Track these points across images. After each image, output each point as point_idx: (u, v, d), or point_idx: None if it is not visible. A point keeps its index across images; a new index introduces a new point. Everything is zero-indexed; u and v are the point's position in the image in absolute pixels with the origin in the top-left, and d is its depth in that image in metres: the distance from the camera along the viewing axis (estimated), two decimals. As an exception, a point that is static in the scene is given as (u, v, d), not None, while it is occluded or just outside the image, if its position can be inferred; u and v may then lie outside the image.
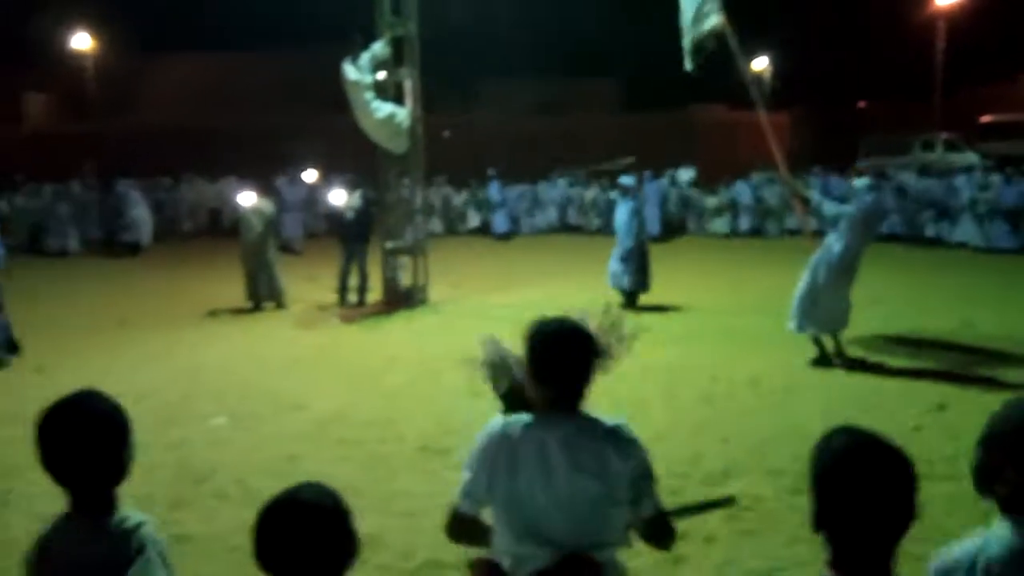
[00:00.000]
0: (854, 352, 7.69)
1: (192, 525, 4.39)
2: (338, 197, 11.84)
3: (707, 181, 21.09)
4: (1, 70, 31.45)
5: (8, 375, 7.71)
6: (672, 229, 19.56)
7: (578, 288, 11.13)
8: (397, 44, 10.52)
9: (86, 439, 1.80)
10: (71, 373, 7.54)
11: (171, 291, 12.62)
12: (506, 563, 2.12)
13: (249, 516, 4.80)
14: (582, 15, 30.08)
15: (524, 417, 2.16)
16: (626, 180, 10.99)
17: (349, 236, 11.16)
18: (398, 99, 10.63)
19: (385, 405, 6.62)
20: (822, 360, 7.49)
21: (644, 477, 2.13)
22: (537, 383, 2.17)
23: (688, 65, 7.88)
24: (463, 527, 2.20)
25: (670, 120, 28.45)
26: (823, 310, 7.43)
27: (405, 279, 11.08)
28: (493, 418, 2.20)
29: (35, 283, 13.10)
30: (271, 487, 5.26)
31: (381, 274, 11.11)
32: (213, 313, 10.78)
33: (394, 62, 10.64)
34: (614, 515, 2.11)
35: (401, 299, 10.85)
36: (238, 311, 10.83)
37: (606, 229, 19.13)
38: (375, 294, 11.30)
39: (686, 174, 20.69)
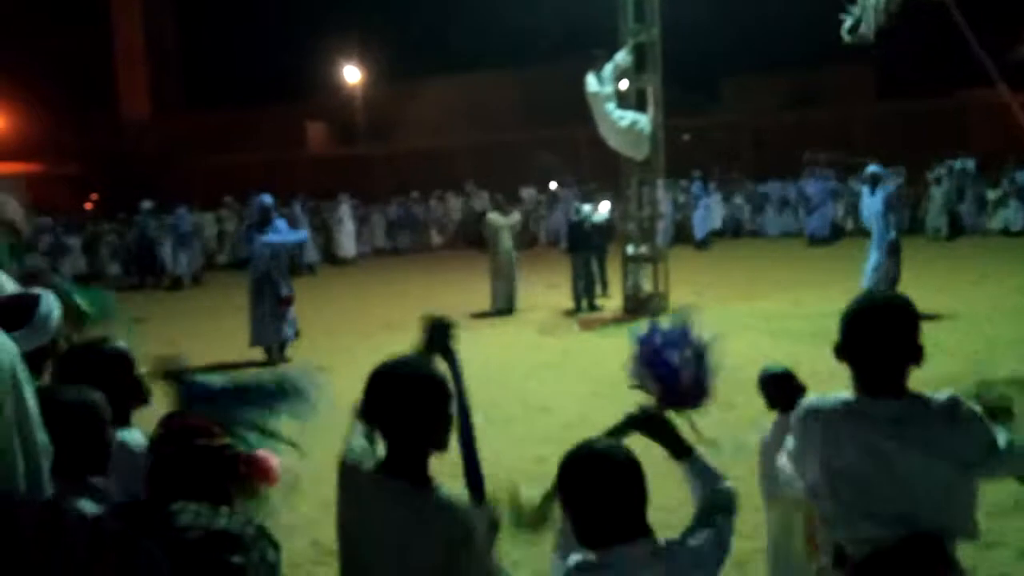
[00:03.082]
0: None
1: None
2: (604, 206, 12.09)
3: (986, 172, 18.81)
4: (288, 103, 36.11)
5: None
6: (955, 227, 17.75)
7: (837, 294, 10.40)
8: (639, 50, 10.55)
9: (412, 394, 1.96)
10: (349, 371, 8.38)
11: (426, 297, 13.60)
12: (842, 542, 2.08)
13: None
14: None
15: (840, 395, 2.11)
16: (875, 169, 10.09)
17: (591, 244, 11.45)
18: (640, 106, 10.65)
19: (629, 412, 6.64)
20: None
21: (989, 447, 1.99)
22: (850, 362, 2.10)
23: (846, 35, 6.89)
24: None
25: (934, 106, 25.71)
26: None
27: (646, 286, 11.06)
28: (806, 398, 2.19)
29: (308, 289, 14.79)
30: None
31: (621, 281, 11.19)
32: (464, 318, 11.48)
33: (636, 69, 10.68)
34: (958, 497, 1.99)
35: (642, 306, 10.84)
36: (485, 316, 11.44)
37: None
38: (615, 301, 11.41)
39: (962, 164, 18.58)
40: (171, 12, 42.66)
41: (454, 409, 2.07)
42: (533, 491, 2.18)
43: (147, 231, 17.92)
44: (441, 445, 2.00)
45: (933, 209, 17.98)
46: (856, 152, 19.71)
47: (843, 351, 2.10)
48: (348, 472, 2.06)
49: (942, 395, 2.05)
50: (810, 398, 2.17)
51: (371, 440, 2.15)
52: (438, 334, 2.39)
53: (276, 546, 1.83)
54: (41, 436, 1.75)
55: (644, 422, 2.22)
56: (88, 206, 27.18)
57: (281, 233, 9.41)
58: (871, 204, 9.81)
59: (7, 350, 1.70)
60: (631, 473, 1.82)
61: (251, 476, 1.93)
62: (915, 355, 2.05)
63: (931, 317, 9.26)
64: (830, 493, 2.05)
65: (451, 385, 2.08)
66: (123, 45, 41.49)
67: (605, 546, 1.78)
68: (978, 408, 2.05)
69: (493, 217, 11.89)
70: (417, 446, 1.96)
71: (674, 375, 2.23)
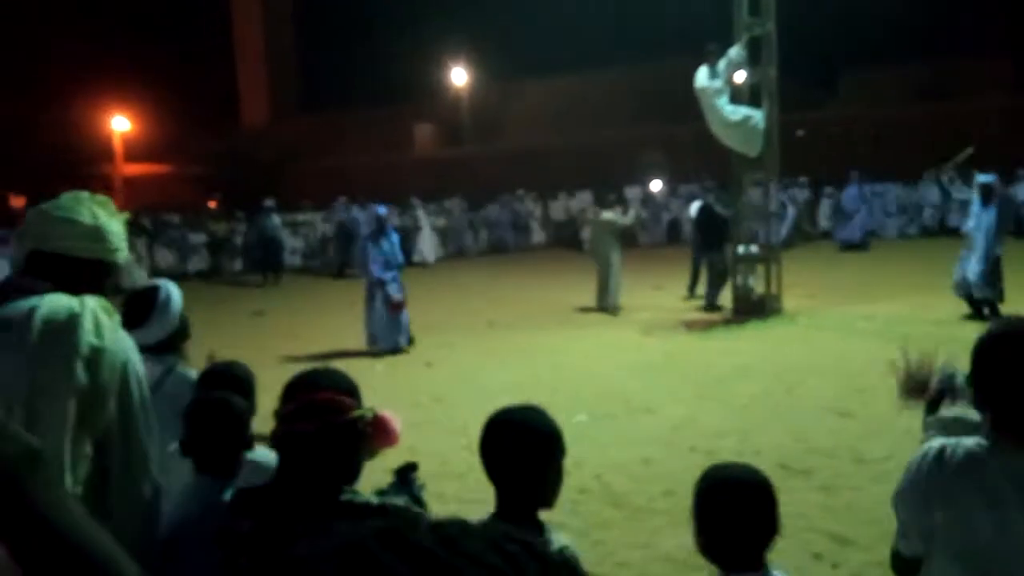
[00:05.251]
0: None
1: (560, 516, 4.67)
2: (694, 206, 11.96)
3: None
4: (397, 105, 37.09)
5: (404, 369, 8.94)
6: None
7: (952, 300, 9.75)
8: (754, 44, 10.22)
9: (523, 449, 1.87)
10: (453, 367, 8.57)
11: (528, 297, 13.65)
12: None
13: (608, 514, 4.94)
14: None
15: (968, 441, 1.84)
16: (985, 178, 9.59)
17: (716, 242, 11.40)
18: (754, 101, 10.32)
19: (737, 416, 6.44)
20: None
21: None
22: (981, 398, 1.83)
23: None
24: (907, 570, 1.94)
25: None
26: None
27: (757, 288, 10.71)
28: (931, 440, 1.93)
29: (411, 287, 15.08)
30: (627, 486, 5.39)
31: (731, 282, 10.89)
32: (568, 317, 11.45)
33: (751, 63, 10.35)
34: None
35: (753, 308, 10.49)
36: (588, 315, 11.37)
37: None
38: (723, 302, 11.13)
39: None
40: (289, 20, 44.56)
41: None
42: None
43: (268, 228, 18.74)
44: (551, 502, 1.93)
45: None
46: (988, 153, 18.49)
47: (976, 385, 1.82)
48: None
49: None
50: (939, 440, 1.89)
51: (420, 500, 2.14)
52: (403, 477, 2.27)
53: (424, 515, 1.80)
54: (145, 434, 1.85)
55: None
56: (212, 204, 28.72)
57: (394, 246, 9.86)
58: (982, 216, 9.37)
59: (122, 348, 1.79)
60: (768, 500, 1.80)
61: (374, 437, 1.92)
62: None
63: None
64: (944, 548, 1.82)
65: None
66: (244, 53, 43.67)
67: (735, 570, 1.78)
68: None
69: (607, 216, 11.83)
70: (530, 498, 1.91)
71: None
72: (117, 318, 1.84)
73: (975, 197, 9.75)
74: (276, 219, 19.03)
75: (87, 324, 1.71)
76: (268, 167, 32.94)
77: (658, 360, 8.57)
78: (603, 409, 6.80)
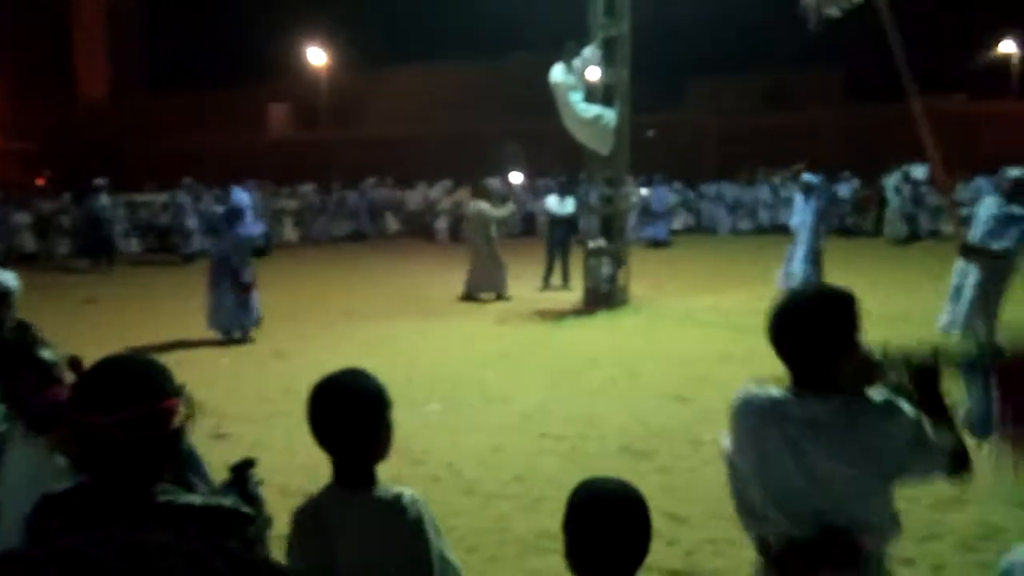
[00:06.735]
0: None
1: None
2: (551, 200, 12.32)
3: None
4: (250, 84, 35.54)
5: (253, 360, 8.61)
6: (913, 233, 18.22)
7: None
8: (609, 45, 10.54)
9: (352, 412, 1.96)
10: (305, 358, 8.32)
11: (384, 286, 13.50)
12: (764, 528, 2.06)
13: (459, 501, 4.99)
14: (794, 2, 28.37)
15: (771, 391, 2.05)
16: (809, 177, 10.58)
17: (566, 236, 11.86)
18: (607, 100, 10.66)
19: (586, 403, 6.67)
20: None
21: (914, 446, 1.95)
22: (779, 356, 2.04)
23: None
24: None
25: (899, 112, 26.09)
26: None
27: (607, 280, 11.11)
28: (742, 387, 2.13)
29: (266, 274, 14.56)
30: (478, 473, 5.45)
31: (583, 274, 11.24)
32: (425, 307, 11.43)
33: (605, 63, 10.68)
34: (875, 499, 1.98)
35: (602, 299, 10.89)
36: (446, 305, 11.42)
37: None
38: (575, 294, 11.48)
39: (918, 170, 19.06)
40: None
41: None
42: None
43: (97, 209, 17.38)
44: (384, 455, 2.01)
45: (891, 214, 18.43)
46: (821, 158, 20.14)
47: (776, 346, 2.04)
48: (303, 511, 2.04)
49: (877, 397, 1.99)
50: (746, 389, 2.10)
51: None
52: None
53: (252, 520, 1.73)
54: None
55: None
56: (40, 181, 26.40)
57: (247, 224, 9.46)
58: (805, 211, 10.19)
59: None
60: (644, 517, 1.80)
61: None
62: (842, 350, 1.97)
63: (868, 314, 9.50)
64: (758, 485, 2.04)
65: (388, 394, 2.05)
66: (82, 22, 40.40)
67: None
68: (911, 410, 2.00)
69: (484, 208, 11.88)
70: (363, 456, 1.98)
71: None
72: None
73: (798, 194, 10.61)
74: (106, 199, 17.67)
75: None
76: (106, 145, 30.72)
77: (513, 349, 8.72)
78: (458, 398, 6.86)
